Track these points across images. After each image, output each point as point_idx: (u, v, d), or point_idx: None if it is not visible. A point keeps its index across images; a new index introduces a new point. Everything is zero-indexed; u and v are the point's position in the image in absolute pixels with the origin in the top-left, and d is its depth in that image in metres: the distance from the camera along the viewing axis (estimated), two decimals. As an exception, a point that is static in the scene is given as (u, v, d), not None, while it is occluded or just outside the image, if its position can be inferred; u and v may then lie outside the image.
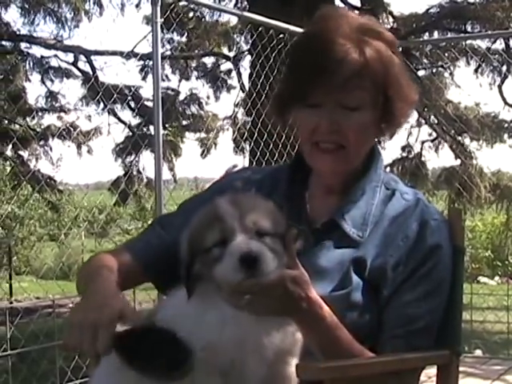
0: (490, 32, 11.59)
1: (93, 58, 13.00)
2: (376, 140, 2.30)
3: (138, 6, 13.49)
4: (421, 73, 12.80)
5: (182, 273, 1.86)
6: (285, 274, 1.83)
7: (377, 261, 2.09)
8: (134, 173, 13.17)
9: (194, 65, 14.49)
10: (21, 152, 13.12)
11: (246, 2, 11.11)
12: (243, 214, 1.80)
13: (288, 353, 1.87)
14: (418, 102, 2.26)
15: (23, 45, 13.18)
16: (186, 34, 13.65)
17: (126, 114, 13.73)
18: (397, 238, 2.12)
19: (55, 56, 13.46)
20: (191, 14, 13.30)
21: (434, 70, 13.17)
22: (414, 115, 12.56)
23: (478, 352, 7.74)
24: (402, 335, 2.07)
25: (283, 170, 2.35)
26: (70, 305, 10.52)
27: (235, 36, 13.79)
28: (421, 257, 2.10)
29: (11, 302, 11.62)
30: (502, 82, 12.88)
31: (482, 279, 15.26)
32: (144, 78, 13.60)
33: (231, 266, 1.75)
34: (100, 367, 1.96)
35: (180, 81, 14.38)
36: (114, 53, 12.34)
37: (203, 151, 14.30)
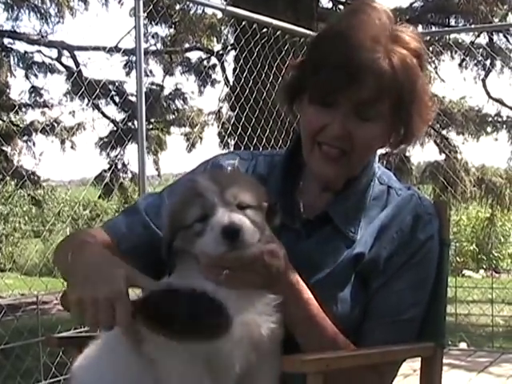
0: (473, 26, 11.62)
1: (76, 53, 12.99)
2: None
3: (120, 1, 13.45)
4: (405, 67, 12.81)
5: (163, 249, 1.87)
6: (263, 248, 1.84)
7: (370, 254, 2.09)
8: (119, 167, 13.14)
9: (178, 60, 14.45)
10: (4, 147, 13.04)
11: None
12: (223, 188, 1.81)
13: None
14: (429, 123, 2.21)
15: (6, 40, 13.13)
16: (170, 28, 13.61)
17: (111, 109, 13.68)
18: (391, 230, 2.11)
19: (39, 51, 13.42)
20: (177, 8, 13.25)
21: (418, 64, 13.17)
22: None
23: (463, 345, 7.77)
24: (385, 325, 2.08)
25: (274, 160, 2.29)
26: (55, 301, 10.49)
27: (223, 28, 13.76)
28: (413, 251, 2.10)
29: (-5, 299, 11.56)
30: (486, 75, 12.93)
31: (467, 273, 15.33)
32: (128, 74, 13.57)
33: (213, 239, 1.76)
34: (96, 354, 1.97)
35: (164, 76, 14.36)
36: (97, 48, 12.28)
37: (188, 146, 14.28)
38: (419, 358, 2.24)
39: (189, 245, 1.83)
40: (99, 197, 13.87)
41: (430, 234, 2.13)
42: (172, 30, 13.73)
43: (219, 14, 13.57)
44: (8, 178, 12.01)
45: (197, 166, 2.33)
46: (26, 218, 19.10)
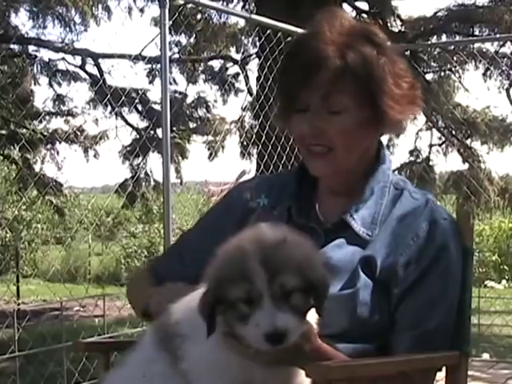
0: (498, 35, 11.57)
1: (100, 61, 13.00)
2: (381, 141, 2.31)
3: (142, 10, 13.48)
4: (429, 76, 12.78)
5: (204, 311, 1.79)
6: None
7: (387, 260, 2.10)
8: (142, 176, 13.17)
9: (201, 68, 14.48)
10: (27, 155, 13.12)
11: (253, 5, 11.10)
12: (272, 275, 1.72)
13: None
14: (417, 103, 2.25)
15: (31, 48, 13.18)
16: (193, 36, 13.64)
17: (134, 117, 13.70)
18: (407, 237, 2.12)
19: (63, 59, 13.46)
20: (199, 17, 13.29)
21: (442, 74, 13.14)
22: (422, 119, 12.56)
23: (486, 356, 7.72)
24: (415, 336, 2.08)
25: (292, 173, 2.38)
26: (77, 307, 10.55)
27: (243, 38, 13.78)
28: (432, 256, 2.11)
29: (18, 304, 11.64)
30: (511, 85, 12.84)
31: (489, 283, 15.23)
32: (151, 82, 13.60)
33: (256, 338, 1.71)
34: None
35: (187, 84, 14.38)
36: (121, 56, 12.33)
37: (210, 154, 14.30)
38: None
39: (230, 319, 1.77)
40: (122, 207, 13.94)
41: (448, 240, 2.14)
42: (194, 39, 13.74)
43: (240, 24, 13.63)
44: (31, 185, 12.07)
45: (221, 197, 2.52)
46: (49, 224, 19.18)
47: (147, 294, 2.26)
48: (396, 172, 12.20)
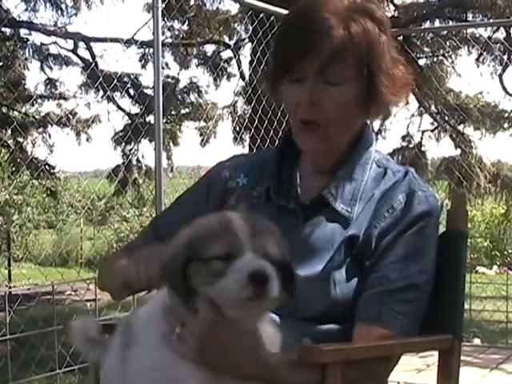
0: (491, 21, 11.58)
1: (93, 44, 12.96)
2: (368, 121, 2.29)
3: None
4: (422, 61, 12.80)
5: (173, 279, 1.72)
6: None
7: (363, 236, 2.07)
8: (133, 162, 13.16)
9: (194, 53, 14.44)
10: (19, 139, 13.09)
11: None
12: (255, 233, 1.68)
13: None
14: (410, 83, 2.22)
15: (23, 31, 13.14)
16: (186, 21, 13.59)
17: (126, 102, 13.67)
18: (382, 209, 2.10)
19: (55, 43, 13.42)
20: (192, 2, 13.24)
21: (435, 59, 13.15)
22: (414, 104, 12.58)
23: (477, 341, 7.74)
24: (378, 294, 2.03)
25: (273, 151, 2.35)
26: (68, 291, 10.55)
27: (236, 25, 13.75)
28: (406, 224, 2.08)
29: (10, 288, 11.64)
30: (503, 71, 12.87)
31: (481, 269, 15.27)
32: (144, 66, 13.57)
33: (239, 282, 1.63)
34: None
35: (180, 69, 14.34)
36: (114, 40, 12.28)
37: (202, 140, 14.27)
38: (432, 353, 2.23)
39: (202, 282, 1.69)
40: (114, 193, 13.93)
41: (425, 208, 2.09)
42: (188, 24, 13.70)
43: (233, 10, 13.58)
44: (23, 168, 12.06)
45: (201, 176, 2.47)
46: (40, 208, 19.14)
47: (122, 267, 2.15)
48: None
